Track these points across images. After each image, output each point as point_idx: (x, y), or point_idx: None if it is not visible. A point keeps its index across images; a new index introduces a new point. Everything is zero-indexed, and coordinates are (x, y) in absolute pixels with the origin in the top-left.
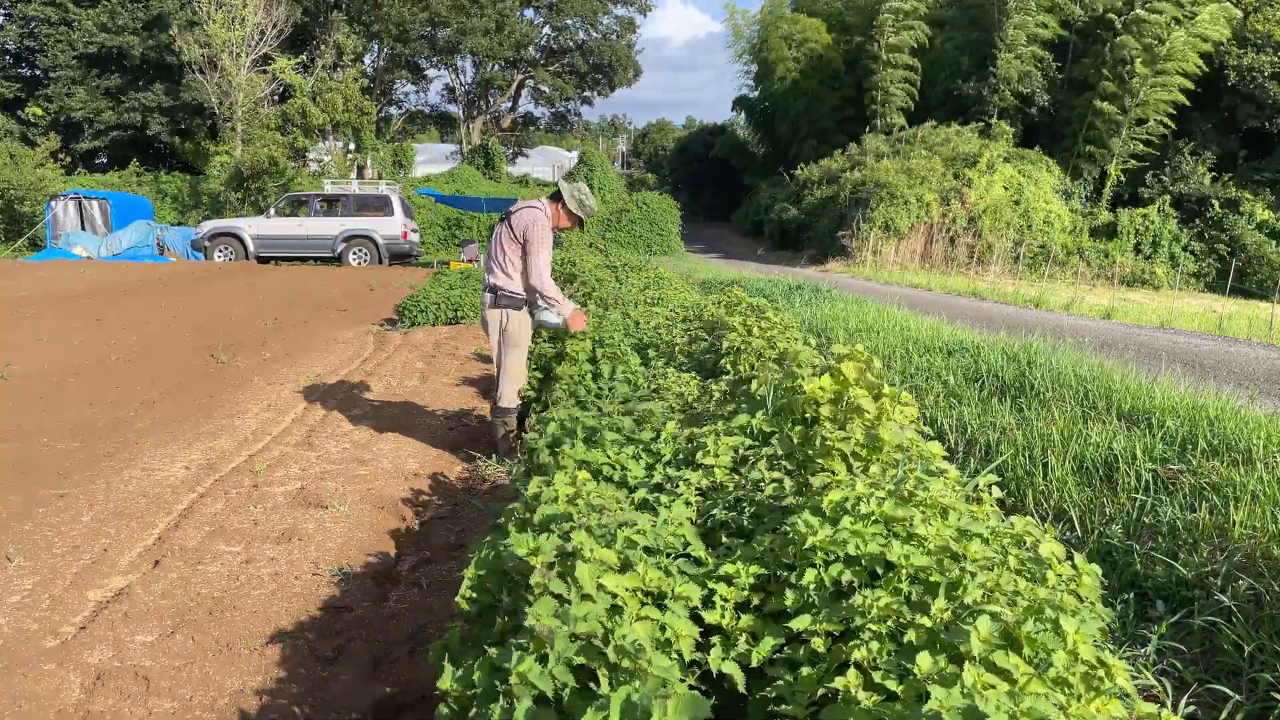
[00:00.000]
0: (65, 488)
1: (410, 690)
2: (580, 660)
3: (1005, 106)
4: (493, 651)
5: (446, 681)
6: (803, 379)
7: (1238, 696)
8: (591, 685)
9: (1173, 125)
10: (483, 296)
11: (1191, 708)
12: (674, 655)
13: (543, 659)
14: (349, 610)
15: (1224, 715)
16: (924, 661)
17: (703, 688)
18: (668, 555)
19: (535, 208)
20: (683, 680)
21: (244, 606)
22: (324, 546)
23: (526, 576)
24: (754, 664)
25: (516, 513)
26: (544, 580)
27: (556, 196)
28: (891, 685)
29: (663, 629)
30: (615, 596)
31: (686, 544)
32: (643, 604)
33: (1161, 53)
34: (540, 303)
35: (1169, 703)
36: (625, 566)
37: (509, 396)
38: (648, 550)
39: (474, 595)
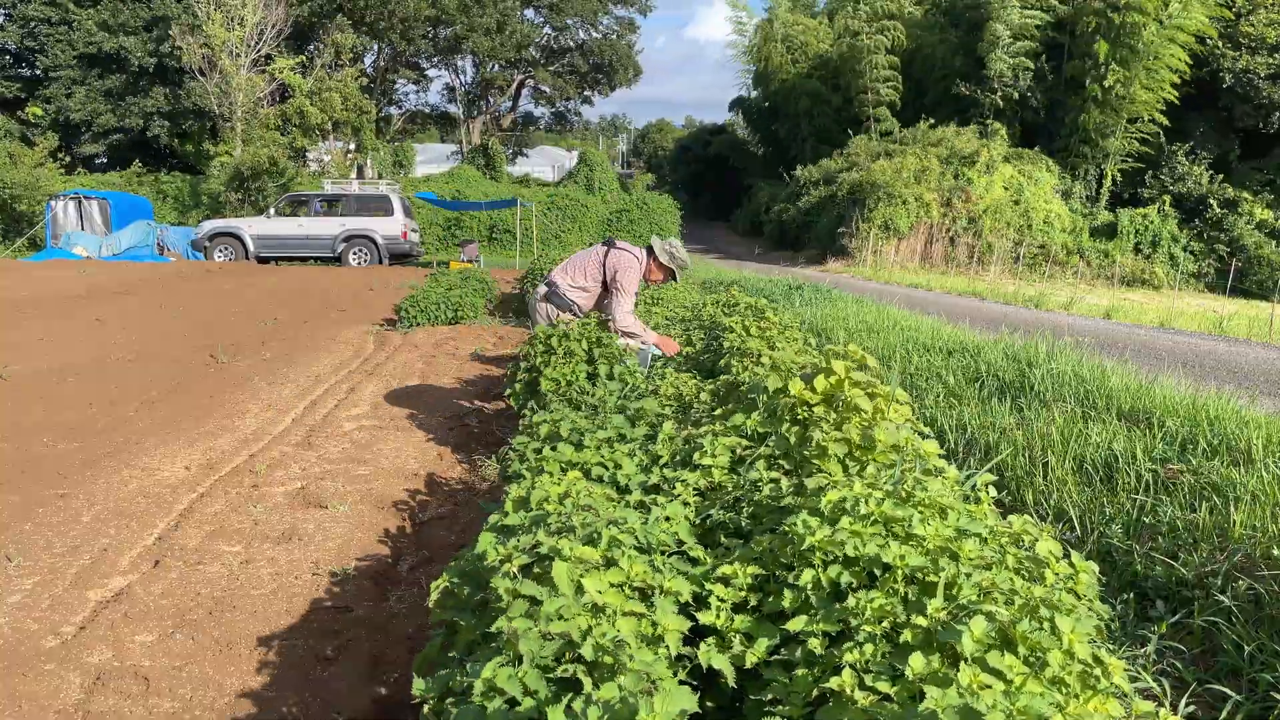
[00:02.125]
0: (65, 488)
1: (410, 690)
2: (561, 670)
3: (1000, 106)
4: (470, 666)
5: (419, 687)
6: (790, 380)
7: (1238, 697)
8: (568, 693)
9: (1169, 125)
10: (536, 290)
11: (1191, 708)
12: (662, 651)
13: (515, 662)
14: (349, 610)
15: (1224, 715)
16: (916, 662)
17: (694, 682)
18: (661, 553)
19: (635, 257)
20: (675, 676)
21: (244, 606)
22: (324, 546)
23: (494, 584)
24: (749, 665)
25: (493, 520)
26: (513, 585)
27: (651, 251)
28: (884, 687)
29: (653, 625)
30: (598, 596)
31: (681, 542)
32: (629, 598)
33: (1138, 48)
34: (626, 341)
35: (1168, 702)
36: (609, 563)
37: None
38: (638, 549)
39: (447, 603)
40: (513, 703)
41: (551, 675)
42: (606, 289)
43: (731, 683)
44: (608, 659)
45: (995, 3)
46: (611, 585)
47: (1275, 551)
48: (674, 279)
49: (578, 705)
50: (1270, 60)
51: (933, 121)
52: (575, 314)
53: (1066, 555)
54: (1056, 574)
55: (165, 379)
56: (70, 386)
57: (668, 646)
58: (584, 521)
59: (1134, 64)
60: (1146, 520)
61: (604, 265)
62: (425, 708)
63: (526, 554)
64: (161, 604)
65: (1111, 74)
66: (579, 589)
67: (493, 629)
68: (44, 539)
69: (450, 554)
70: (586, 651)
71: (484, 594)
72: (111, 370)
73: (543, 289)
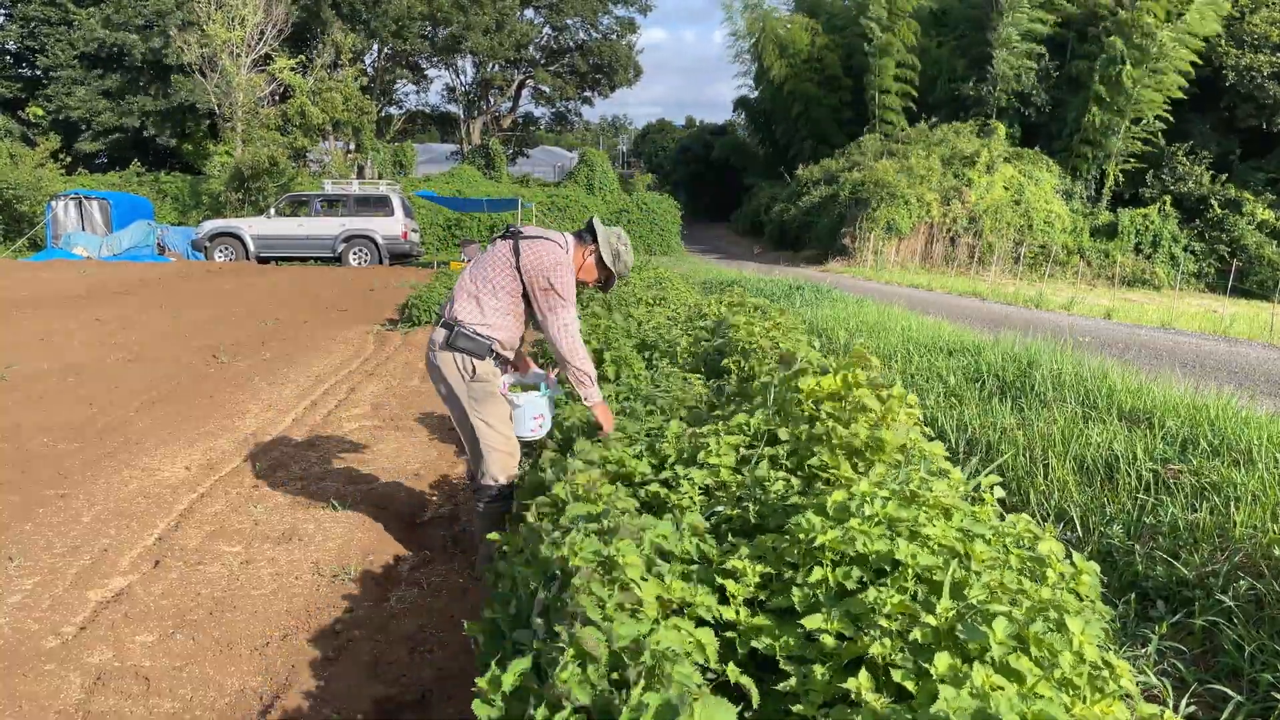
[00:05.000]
0: (65, 488)
1: (410, 690)
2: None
3: (1004, 106)
4: (523, 661)
5: (481, 710)
6: (800, 379)
7: (1238, 697)
8: (620, 694)
9: (1171, 124)
10: (433, 335)
11: (1192, 708)
12: (695, 664)
13: (582, 665)
14: (349, 610)
15: (1225, 716)
16: (942, 662)
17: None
18: (684, 562)
19: (558, 245)
20: (700, 686)
21: (244, 606)
22: (324, 547)
23: (567, 577)
24: (778, 656)
25: (541, 507)
26: (586, 582)
27: (584, 237)
28: (910, 685)
29: (686, 636)
30: (641, 605)
31: (701, 549)
32: (668, 614)
33: (1152, 50)
34: (535, 378)
35: (1170, 703)
36: (647, 568)
37: (498, 470)
38: (663, 556)
39: (504, 592)
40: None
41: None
42: (528, 301)
43: (755, 703)
44: (662, 668)
45: (1005, 3)
46: (654, 597)
47: (1276, 551)
48: (606, 289)
49: (631, 706)
50: (1273, 59)
51: (934, 120)
52: (501, 358)
53: (1068, 556)
54: (1059, 574)
55: (165, 379)
56: (70, 386)
57: (699, 661)
58: (619, 524)
59: (1141, 65)
60: (1147, 520)
61: (519, 268)
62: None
63: (593, 556)
64: (162, 604)
65: (1122, 74)
66: (629, 604)
67: (571, 633)
68: (44, 539)
69: (451, 554)
70: (646, 659)
71: (543, 585)
72: (111, 370)
73: (441, 334)
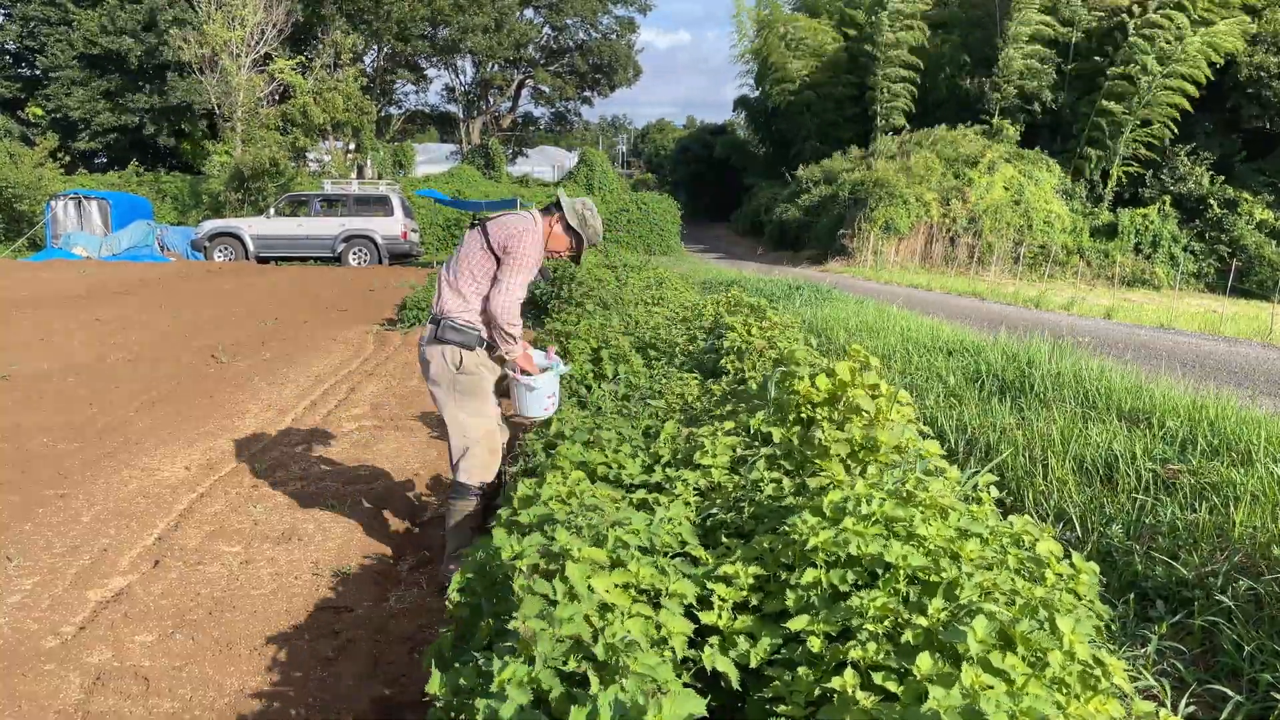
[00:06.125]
0: (65, 488)
1: (410, 690)
2: (571, 666)
3: (1008, 105)
4: (479, 657)
5: (435, 685)
6: (797, 379)
7: (1238, 697)
8: (579, 690)
9: (1175, 127)
10: (423, 331)
11: (1192, 708)
12: (667, 653)
13: (530, 661)
14: (349, 610)
15: (1224, 715)
16: (924, 662)
17: (698, 685)
18: (665, 554)
19: (523, 217)
20: (678, 678)
21: (244, 606)
22: (324, 546)
23: (511, 579)
24: (753, 664)
25: (504, 515)
26: (528, 583)
27: (550, 209)
28: (892, 686)
29: (657, 627)
30: (606, 595)
31: (684, 543)
32: (635, 601)
33: (1175, 54)
34: (506, 350)
35: (1168, 702)
36: (615, 564)
37: (473, 467)
38: (643, 550)
39: (462, 599)
40: (537, 701)
41: (562, 670)
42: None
43: (736, 684)
44: (617, 659)
45: (1015, 3)
46: (618, 586)
47: (1275, 551)
48: (578, 258)
49: (589, 706)
50: None
51: (943, 125)
52: (488, 347)
53: (1067, 556)
54: (1058, 574)
55: (165, 379)
56: (70, 386)
57: (673, 649)
58: (590, 523)
59: (1164, 65)
60: (1147, 520)
61: (489, 246)
62: (439, 704)
63: (539, 554)
64: (161, 604)
65: (1144, 79)
66: (589, 590)
67: (510, 627)
68: (44, 539)
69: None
70: (599, 651)
71: (500, 591)
72: (111, 370)
73: (429, 329)
